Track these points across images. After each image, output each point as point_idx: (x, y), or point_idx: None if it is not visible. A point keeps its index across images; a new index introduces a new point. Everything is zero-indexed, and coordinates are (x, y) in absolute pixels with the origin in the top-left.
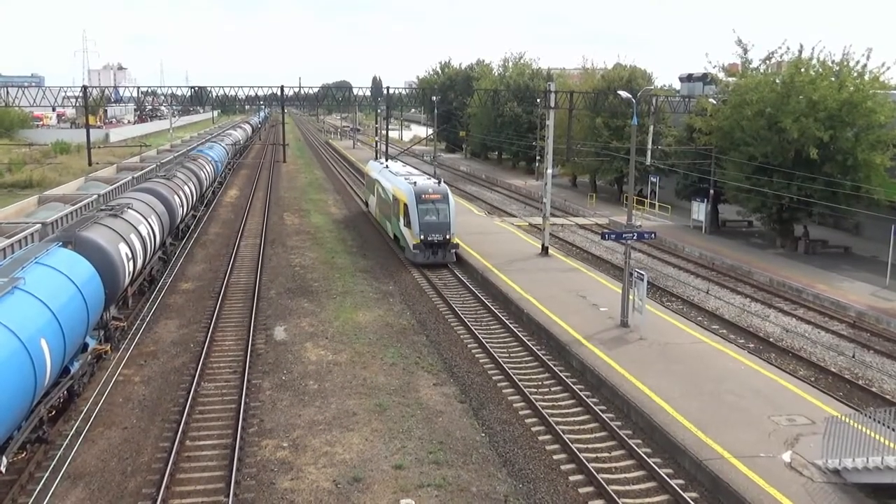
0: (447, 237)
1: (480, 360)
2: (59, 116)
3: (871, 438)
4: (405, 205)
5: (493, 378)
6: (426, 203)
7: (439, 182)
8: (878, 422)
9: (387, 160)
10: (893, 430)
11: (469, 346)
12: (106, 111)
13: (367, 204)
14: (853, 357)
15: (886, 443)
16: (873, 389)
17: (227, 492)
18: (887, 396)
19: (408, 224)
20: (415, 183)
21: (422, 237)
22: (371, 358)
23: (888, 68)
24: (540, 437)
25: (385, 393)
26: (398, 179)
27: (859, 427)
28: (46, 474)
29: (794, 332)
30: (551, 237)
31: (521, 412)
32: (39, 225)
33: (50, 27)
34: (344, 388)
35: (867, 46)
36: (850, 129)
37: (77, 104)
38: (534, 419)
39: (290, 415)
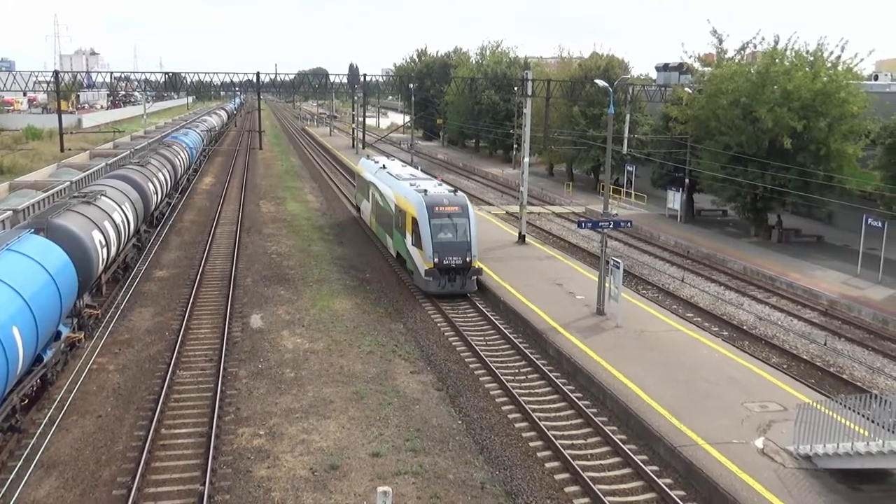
0: (467, 260)
1: (457, 349)
2: (30, 101)
3: (842, 425)
4: (414, 219)
5: (471, 366)
6: (441, 217)
7: (455, 191)
8: (849, 408)
9: (384, 158)
10: (863, 416)
11: (446, 333)
12: (78, 96)
13: (358, 209)
14: (825, 345)
15: (856, 429)
16: (844, 376)
17: (204, 480)
18: (858, 383)
19: (417, 243)
20: (425, 191)
21: (435, 261)
22: (348, 346)
23: (861, 59)
24: (517, 425)
25: (362, 381)
26: (402, 186)
27: (830, 413)
28: (19, 463)
29: (767, 320)
30: (528, 225)
31: (497, 400)
32: (11, 212)
33: (20, 11)
34: (321, 376)
35: (841, 37)
36: (823, 120)
37: (49, 89)
38: (510, 407)
39: (267, 403)
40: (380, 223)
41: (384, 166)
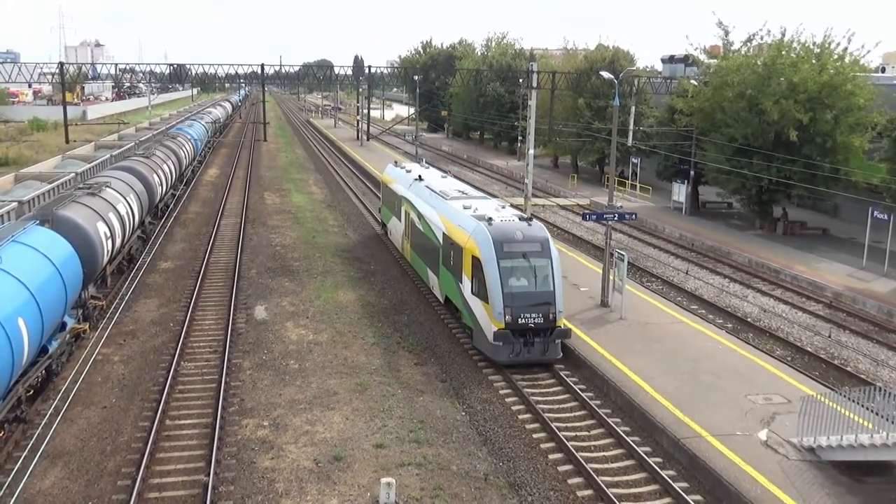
0: (551, 317)
1: (461, 340)
2: (35, 93)
3: (846, 417)
4: (475, 259)
5: (474, 357)
6: (514, 257)
7: (529, 218)
8: (853, 401)
9: (417, 166)
10: (867, 408)
11: (450, 326)
12: (83, 88)
13: (383, 225)
14: (829, 337)
15: (860, 421)
16: (848, 369)
17: (208, 471)
18: (862, 376)
19: (480, 293)
20: (488, 219)
21: (507, 319)
22: (352, 337)
23: (868, 51)
24: (520, 416)
25: (366, 372)
26: (453, 208)
27: (834, 406)
28: (25, 453)
29: (771, 313)
30: (535, 218)
31: (501, 391)
32: (16, 203)
33: (25, 2)
34: (325, 368)
35: (848, 28)
36: (829, 112)
37: (54, 81)
38: (514, 398)
39: (271, 394)
40: (418, 253)
41: (420, 177)
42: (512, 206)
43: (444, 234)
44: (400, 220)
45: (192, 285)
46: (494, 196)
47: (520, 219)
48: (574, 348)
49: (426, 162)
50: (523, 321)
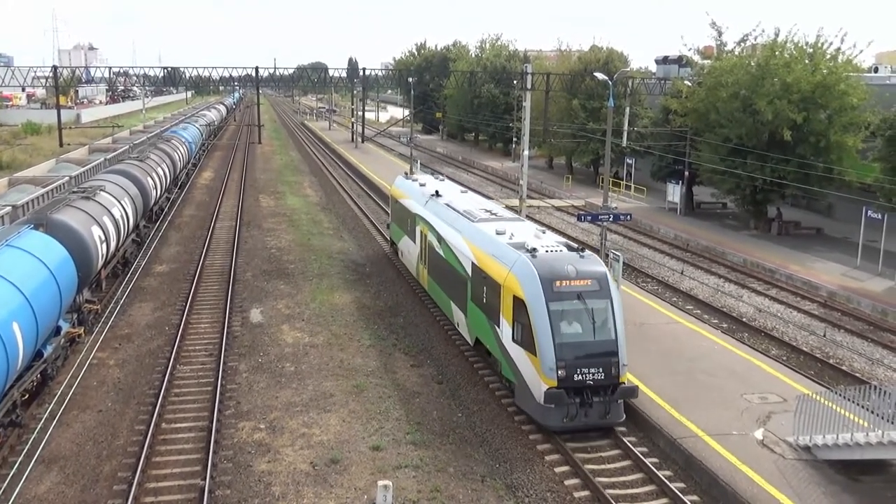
0: (613, 373)
1: (457, 342)
2: (28, 97)
3: (841, 416)
4: (517, 300)
5: (471, 359)
6: (567, 299)
7: (581, 249)
8: (848, 399)
9: (431, 178)
10: (863, 407)
11: (446, 327)
12: (77, 92)
13: (392, 244)
14: (824, 336)
15: (856, 420)
16: (843, 368)
17: (204, 474)
18: (857, 374)
19: (525, 341)
20: (532, 250)
21: (560, 374)
22: (348, 340)
23: (861, 51)
24: (516, 418)
25: (362, 374)
26: (485, 234)
27: (830, 405)
28: (20, 458)
29: (766, 312)
30: (528, 219)
31: (497, 392)
32: (10, 207)
33: (18, 6)
34: (321, 370)
35: (840, 28)
36: (823, 112)
37: (47, 84)
38: (510, 399)
39: (267, 397)
40: (438, 282)
41: (438, 193)
42: (549, 229)
43: (473, 264)
44: (414, 242)
45: (188, 288)
46: (490, 197)
47: (568, 248)
48: None
49: (439, 174)
50: (580, 378)
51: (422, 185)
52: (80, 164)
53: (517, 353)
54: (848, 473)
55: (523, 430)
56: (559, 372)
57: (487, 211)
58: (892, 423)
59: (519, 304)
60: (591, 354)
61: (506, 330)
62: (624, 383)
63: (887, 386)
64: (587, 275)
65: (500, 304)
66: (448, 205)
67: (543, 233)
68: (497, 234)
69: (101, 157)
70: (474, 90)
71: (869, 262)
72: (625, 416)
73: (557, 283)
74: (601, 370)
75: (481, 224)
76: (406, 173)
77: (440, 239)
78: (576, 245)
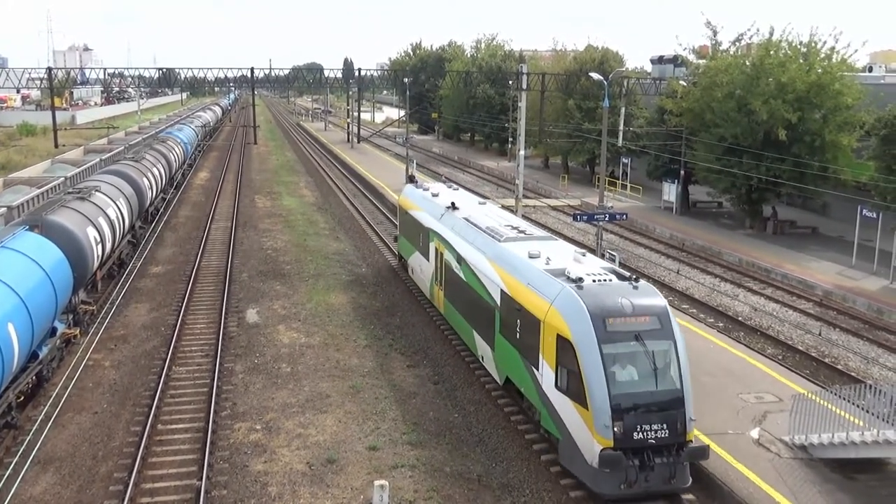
0: (680, 427)
1: (454, 342)
2: (23, 98)
3: (837, 415)
4: (563, 340)
5: (467, 359)
6: (622, 341)
7: (633, 278)
8: (844, 398)
9: (444, 188)
10: (858, 406)
11: (442, 327)
12: (72, 93)
13: (400, 258)
14: (820, 335)
15: (851, 419)
16: (839, 367)
17: (200, 475)
18: (852, 373)
19: (572, 390)
20: (577, 281)
21: (618, 432)
22: (344, 340)
23: (856, 50)
24: (513, 418)
25: (358, 375)
26: (515, 257)
27: (825, 404)
28: (16, 459)
29: (762, 311)
30: (524, 219)
31: (493, 392)
32: (5, 208)
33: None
34: (317, 371)
35: (834, 27)
36: (817, 111)
37: (42, 86)
38: (507, 399)
39: (263, 398)
40: (458, 308)
41: (454, 205)
42: (583, 248)
43: (503, 292)
44: (428, 259)
45: (184, 289)
46: (486, 197)
47: (618, 276)
48: None
49: (452, 182)
50: (640, 436)
51: (434, 195)
52: (75, 165)
53: (562, 403)
54: (843, 472)
55: (519, 430)
56: (615, 429)
57: (514, 228)
58: (888, 421)
59: (564, 346)
60: (652, 407)
61: (547, 375)
62: (691, 441)
63: (882, 385)
64: (645, 310)
65: (540, 344)
66: (467, 220)
67: (584, 255)
68: (530, 257)
69: (96, 158)
70: (470, 90)
71: (864, 261)
72: (691, 481)
73: (611, 320)
74: (665, 426)
75: (509, 244)
76: (415, 181)
77: (460, 259)
78: (627, 273)
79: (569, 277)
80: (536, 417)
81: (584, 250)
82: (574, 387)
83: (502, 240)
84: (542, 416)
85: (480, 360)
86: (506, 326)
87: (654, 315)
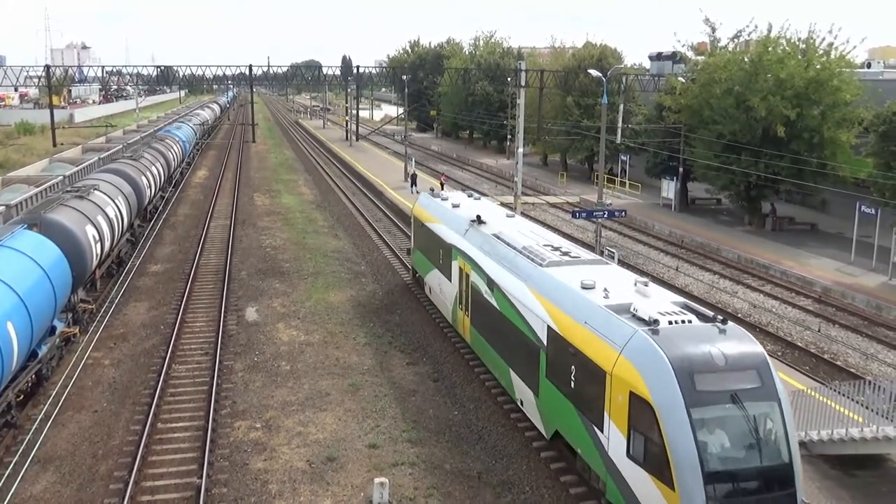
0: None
1: (453, 339)
2: (21, 97)
3: (836, 411)
4: (639, 401)
5: (466, 357)
6: (716, 403)
7: (719, 319)
8: (843, 395)
9: (464, 198)
10: (857, 402)
11: (441, 325)
12: (70, 91)
13: (414, 273)
14: (819, 331)
15: (851, 415)
16: (838, 363)
17: (200, 473)
18: (852, 370)
19: (652, 462)
20: (653, 323)
21: None
22: (344, 338)
23: (854, 47)
24: (512, 415)
25: (358, 373)
26: (565, 287)
27: (824, 400)
28: (15, 458)
29: (761, 308)
30: (523, 216)
31: (493, 390)
32: (3, 207)
33: (10, 5)
34: (317, 369)
35: (832, 23)
36: (816, 107)
37: (40, 84)
38: (506, 397)
39: (263, 396)
40: (489, 339)
41: (480, 219)
42: (637, 274)
43: (550, 329)
44: (449, 279)
45: (183, 288)
46: (485, 194)
47: (699, 316)
48: None
49: (474, 191)
50: None
51: (455, 206)
52: (73, 164)
53: (637, 477)
54: (843, 468)
55: (519, 427)
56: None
57: (555, 248)
58: (887, 418)
59: (640, 407)
60: (755, 487)
61: (616, 439)
62: None
63: (882, 381)
64: (741, 362)
65: (606, 400)
66: (497, 237)
67: (646, 285)
68: (584, 288)
69: (94, 157)
70: (468, 88)
71: (863, 258)
72: None
73: (700, 376)
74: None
75: (554, 270)
76: (432, 189)
77: (491, 284)
78: (708, 311)
79: (638, 317)
80: (600, 488)
81: (645, 279)
82: (654, 459)
83: (545, 264)
84: (609, 489)
85: (518, 403)
86: (555, 371)
87: (752, 368)
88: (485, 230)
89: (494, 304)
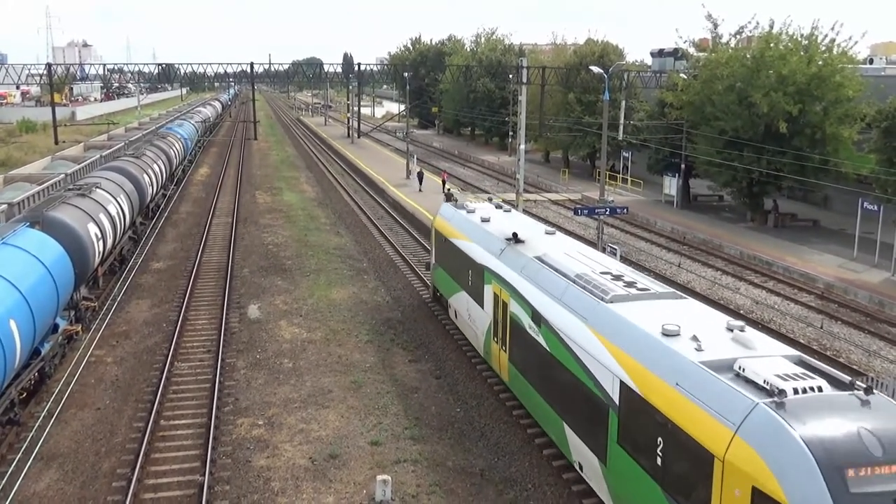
0: None
1: (455, 337)
2: (23, 95)
3: None
4: (762, 497)
5: (468, 354)
6: None
7: (865, 389)
8: None
9: (493, 209)
10: None
11: (443, 322)
12: (72, 89)
13: (435, 291)
14: (821, 328)
15: None
16: (841, 360)
17: (203, 470)
18: (854, 367)
19: None
20: (777, 393)
21: None
22: (346, 335)
23: (856, 42)
24: (515, 412)
25: (360, 370)
26: (645, 334)
27: None
28: (18, 456)
29: (763, 304)
30: (525, 213)
31: (496, 387)
32: (6, 205)
33: (11, 4)
34: (319, 366)
35: (836, 20)
36: (818, 104)
37: (42, 82)
38: (508, 394)
39: (266, 393)
40: (537, 385)
41: (517, 238)
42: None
43: (623, 386)
44: (481, 306)
45: (185, 285)
46: (487, 191)
47: (831, 381)
48: None
49: (502, 202)
50: None
51: (484, 220)
52: (75, 162)
53: None
54: None
55: (521, 424)
56: None
57: (615, 277)
58: None
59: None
60: None
61: None
62: None
63: (884, 378)
64: None
65: (714, 491)
66: (542, 260)
67: (743, 330)
68: (666, 335)
69: (96, 155)
70: (470, 84)
71: (865, 254)
72: None
73: (852, 472)
74: None
75: (621, 307)
76: (453, 198)
77: (537, 318)
78: (844, 377)
79: (751, 381)
80: None
81: (741, 322)
82: None
83: (608, 299)
84: None
85: (577, 468)
86: (632, 438)
87: None
88: (524, 251)
89: (542, 343)
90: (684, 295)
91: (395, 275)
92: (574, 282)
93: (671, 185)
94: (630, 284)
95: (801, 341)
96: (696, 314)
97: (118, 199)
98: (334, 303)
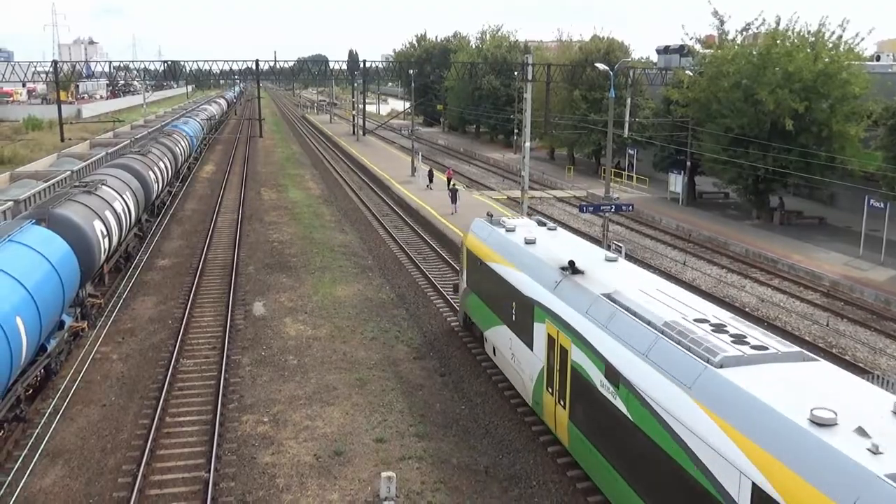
0: None
1: (460, 334)
2: (29, 92)
3: None
4: None
5: (473, 351)
6: None
7: None
8: None
9: (543, 232)
10: None
11: (448, 319)
12: (77, 87)
13: (465, 318)
14: (827, 326)
15: None
16: (846, 358)
17: (208, 467)
18: (860, 364)
19: None
20: None
21: None
22: (351, 332)
23: (862, 39)
24: (519, 409)
25: (365, 367)
26: (777, 414)
27: None
28: (24, 452)
29: (769, 302)
30: (529, 210)
31: (500, 384)
32: (12, 202)
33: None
34: (324, 363)
35: (843, 17)
36: (825, 101)
37: (48, 79)
38: (513, 391)
39: (271, 390)
40: (614, 460)
41: (575, 267)
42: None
43: (760, 493)
44: (529, 346)
45: (190, 282)
46: (492, 189)
47: None
48: None
49: (545, 219)
50: None
51: (528, 242)
52: (81, 159)
53: None
54: None
55: (526, 422)
56: None
57: (716, 327)
58: None
59: None
60: None
61: None
62: None
63: (890, 375)
64: None
65: None
66: (613, 300)
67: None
68: (817, 424)
69: (102, 152)
70: (475, 82)
71: (872, 252)
72: None
73: None
74: None
75: (740, 376)
76: (489, 215)
77: (613, 375)
78: None
79: None
80: None
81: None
82: None
83: (717, 361)
84: None
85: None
86: None
87: None
88: (587, 285)
89: (622, 410)
90: (813, 355)
91: (399, 272)
92: (663, 333)
93: (676, 182)
94: (739, 339)
95: (807, 338)
96: (841, 387)
97: (124, 196)
98: (339, 300)
